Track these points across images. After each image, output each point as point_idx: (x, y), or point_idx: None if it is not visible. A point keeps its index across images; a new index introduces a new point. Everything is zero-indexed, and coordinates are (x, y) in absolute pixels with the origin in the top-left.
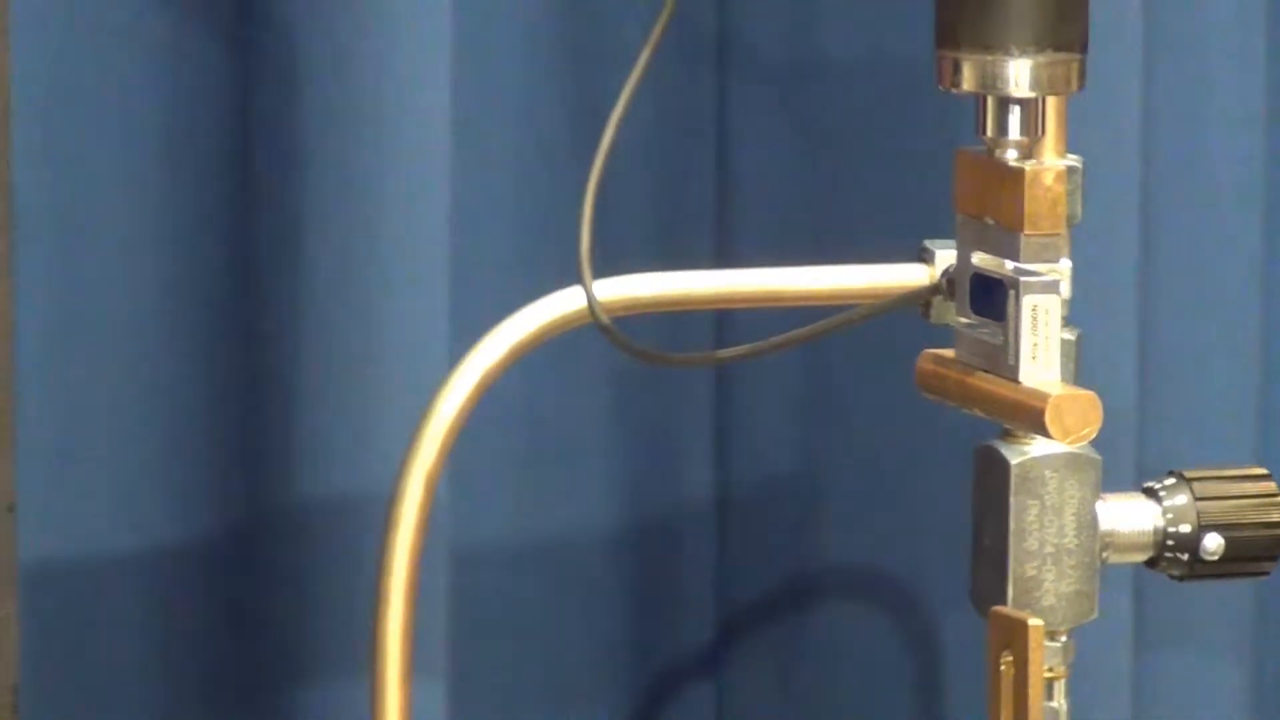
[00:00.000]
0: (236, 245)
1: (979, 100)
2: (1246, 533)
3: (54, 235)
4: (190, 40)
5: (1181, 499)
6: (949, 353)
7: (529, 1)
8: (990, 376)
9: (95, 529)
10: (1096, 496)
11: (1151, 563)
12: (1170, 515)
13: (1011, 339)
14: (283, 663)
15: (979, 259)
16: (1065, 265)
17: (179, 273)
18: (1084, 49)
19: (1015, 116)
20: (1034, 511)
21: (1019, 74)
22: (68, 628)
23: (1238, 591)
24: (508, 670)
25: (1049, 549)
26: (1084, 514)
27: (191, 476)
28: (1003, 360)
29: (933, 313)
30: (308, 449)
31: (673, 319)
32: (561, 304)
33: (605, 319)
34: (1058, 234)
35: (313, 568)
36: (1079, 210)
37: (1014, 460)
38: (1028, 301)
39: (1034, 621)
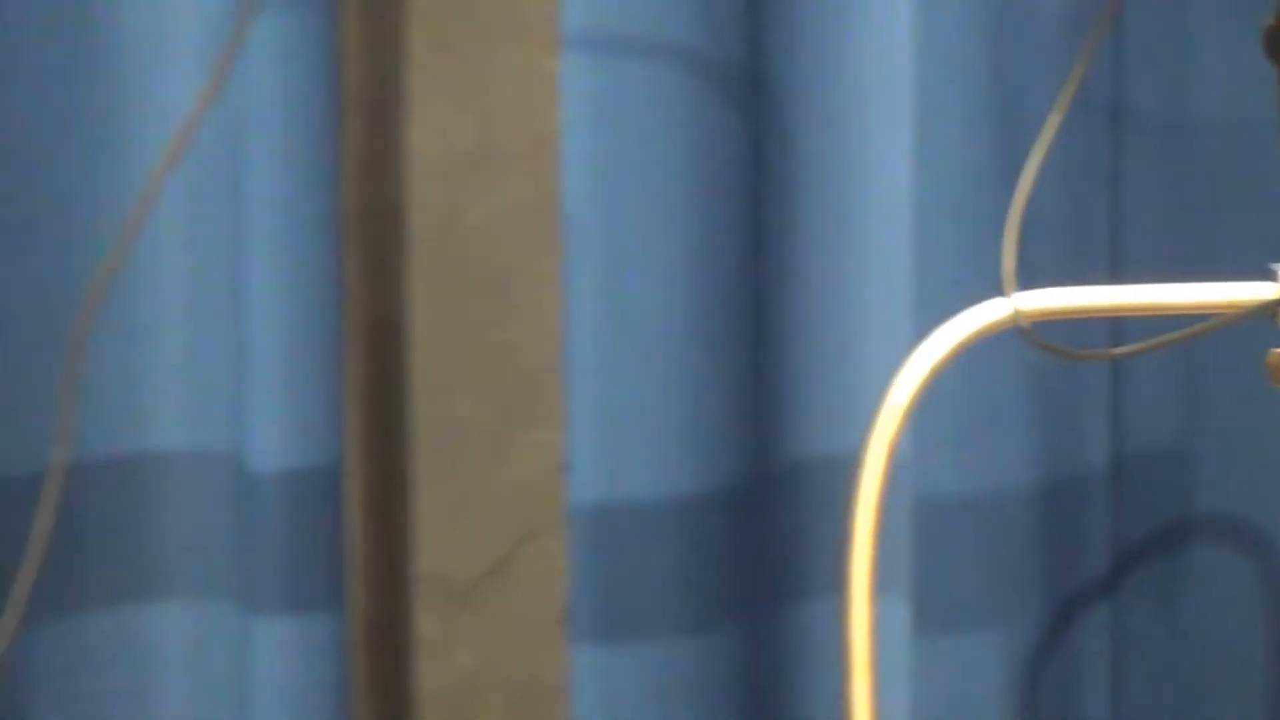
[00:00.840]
0: (747, 261)
1: None
2: None
3: (597, 254)
4: (708, 102)
5: None
6: None
7: (968, 68)
8: None
9: (633, 481)
10: None
11: None
12: None
13: None
14: (782, 585)
15: None
16: None
17: (703, 284)
18: None
19: None
20: None
21: None
22: (609, 562)
23: None
24: (953, 590)
25: None
26: None
27: (711, 442)
28: None
29: (1279, 320)
30: (802, 421)
31: (1076, 320)
32: (991, 311)
33: (1026, 324)
34: None
35: (805, 512)
36: None
37: None
38: None
39: None
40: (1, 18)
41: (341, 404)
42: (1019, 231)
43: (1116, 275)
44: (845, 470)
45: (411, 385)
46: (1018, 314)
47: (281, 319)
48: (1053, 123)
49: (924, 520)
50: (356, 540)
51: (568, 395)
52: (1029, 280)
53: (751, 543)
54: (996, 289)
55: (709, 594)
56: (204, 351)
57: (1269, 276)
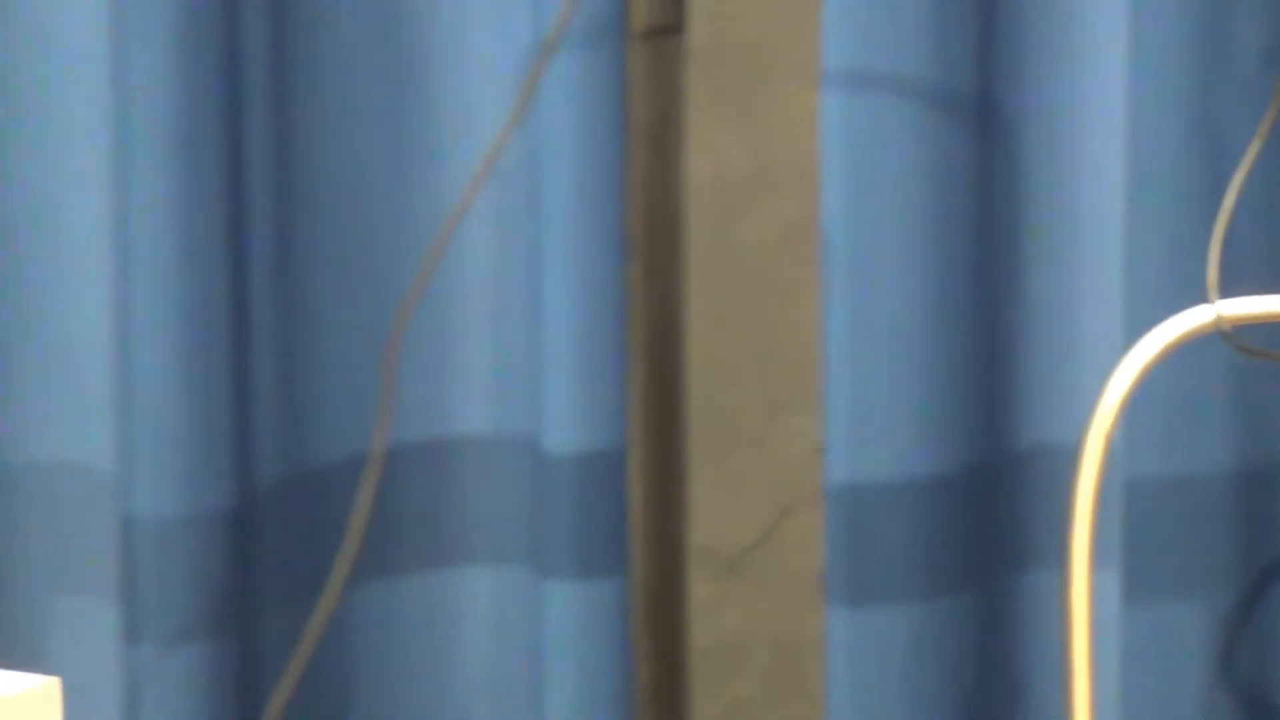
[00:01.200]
0: (979, 271)
1: None
2: None
3: (849, 265)
4: (946, 130)
5: None
6: None
7: (1176, 97)
8: None
9: (879, 464)
10: None
11: None
12: None
13: None
14: (1009, 556)
15: None
16: None
17: (940, 291)
18: None
19: None
20: None
21: None
22: (859, 535)
23: None
24: (1158, 564)
25: None
26: None
27: (948, 430)
28: None
29: None
30: (1028, 413)
31: (1272, 324)
32: (1197, 317)
33: (1227, 328)
34: None
35: (1031, 493)
36: None
37: None
38: None
39: None
40: (336, 59)
41: (626, 395)
42: (1222, 245)
43: None
44: (1066, 457)
45: (688, 379)
46: (1220, 319)
47: (573, 320)
48: (1254, 147)
49: (1134, 502)
50: (638, 515)
51: (823, 388)
52: (1230, 289)
53: (983, 519)
54: (1201, 297)
55: (946, 563)
56: (506, 348)
57: None
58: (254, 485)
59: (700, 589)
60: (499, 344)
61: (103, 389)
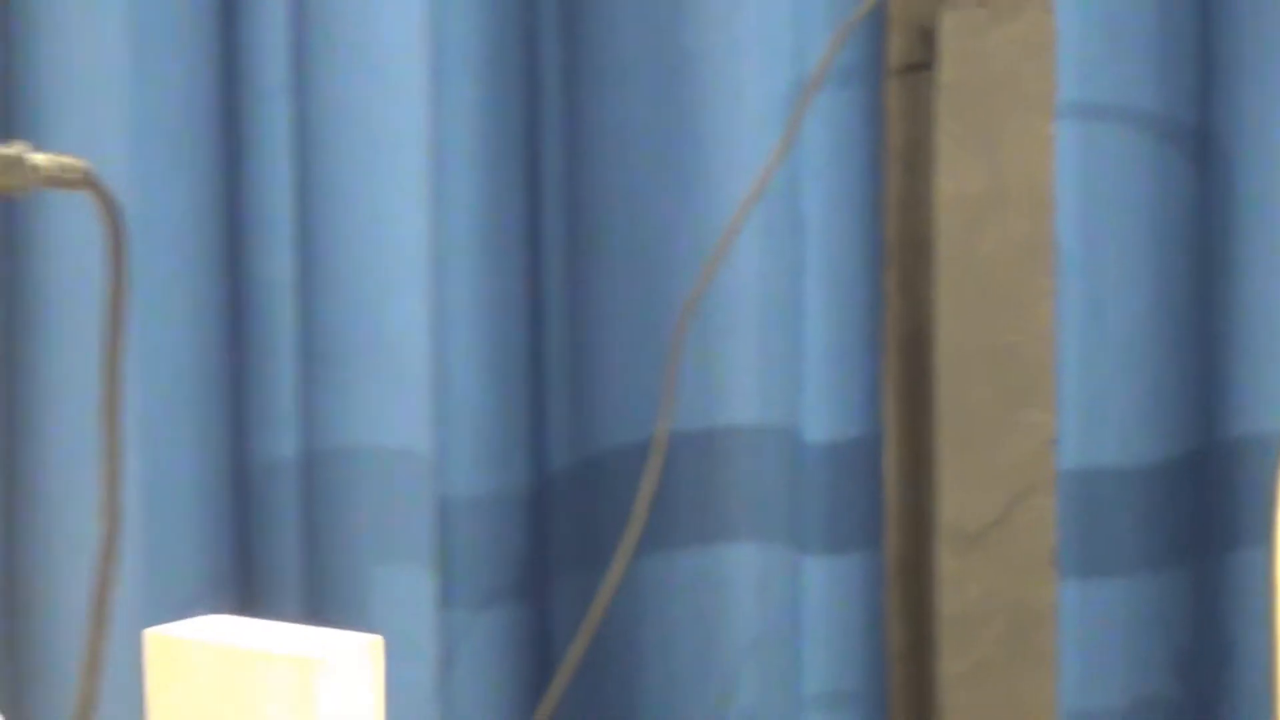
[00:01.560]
0: (1195, 278)
1: None
2: None
3: (1080, 275)
4: (1166, 154)
5: None
6: None
7: None
8: None
9: (1105, 452)
10: None
11: None
12: None
13: None
14: (1221, 535)
15: None
16: None
17: (1161, 297)
18: None
19: None
20: None
21: None
22: (1088, 516)
23: None
24: None
25: None
26: None
27: (1166, 422)
28: None
29: None
30: (1239, 405)
31: None
32: None
33: None
34: None
35: (1240, 477)
36: None
37: None
38: None
39: None
40: (621, 90)
41: (881, 391)
42: None
43: None
44: (1272, 446)
45: (937, 376)
46: None
47: (830, 324)
48: None
49: None
50: (893, 496)
51: (1057, 384)
52: None
53: (1198, 502)
54: None
55: (1165, 541)
56: (771, 349)
57: None
58: (550, 468)
59: (947, 562)
60: (765, 345)
61: (422, 383)
